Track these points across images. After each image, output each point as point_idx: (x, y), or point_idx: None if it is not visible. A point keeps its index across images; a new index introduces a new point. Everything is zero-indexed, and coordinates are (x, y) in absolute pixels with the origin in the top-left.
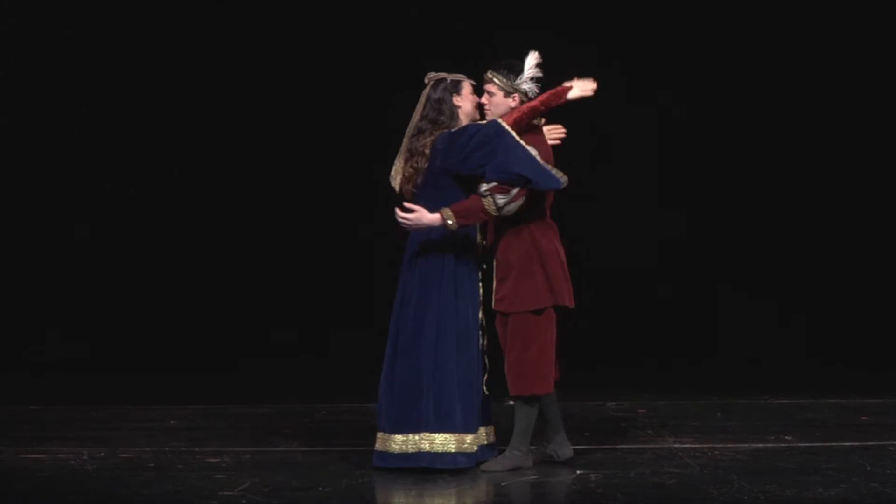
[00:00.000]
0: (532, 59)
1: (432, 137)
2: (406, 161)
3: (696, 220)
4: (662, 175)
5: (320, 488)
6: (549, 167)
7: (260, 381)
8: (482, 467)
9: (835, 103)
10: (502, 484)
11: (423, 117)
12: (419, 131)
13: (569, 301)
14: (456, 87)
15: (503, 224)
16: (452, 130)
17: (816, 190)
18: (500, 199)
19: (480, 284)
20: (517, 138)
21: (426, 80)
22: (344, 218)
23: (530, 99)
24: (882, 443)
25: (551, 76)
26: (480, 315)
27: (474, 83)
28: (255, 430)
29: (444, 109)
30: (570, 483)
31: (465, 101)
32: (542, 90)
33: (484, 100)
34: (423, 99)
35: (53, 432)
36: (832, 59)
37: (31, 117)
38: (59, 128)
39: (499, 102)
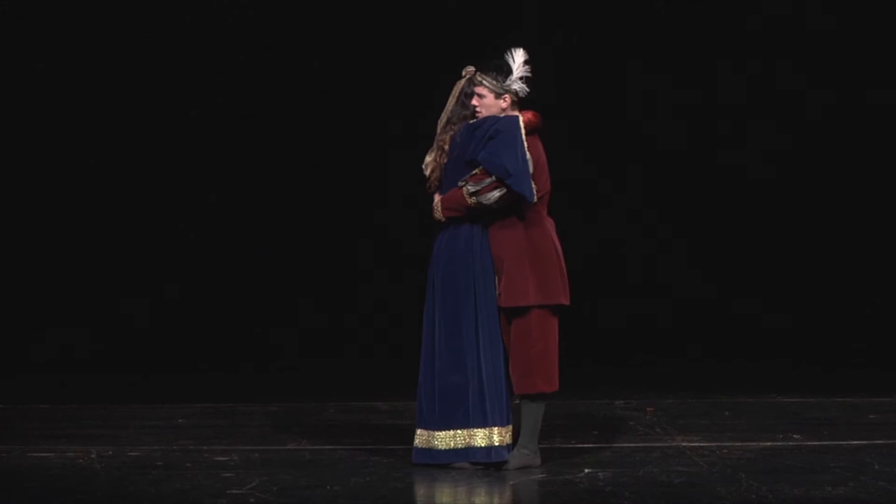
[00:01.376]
0: (519, 56)
1: (452, 132)
2: (438, 153)
3: (708, 221)
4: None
5: (329, 487)
6: (531, 181)
7: (268, 379)
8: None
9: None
10: (510, 482)
11: (452, 111)
12: (447, 124)
13: (563, 299)
14: None
15: (498, 219)
16: (471, 122)
17: (828, 190)
18: (471, 188)
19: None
20: (524, 138)
21: (463, 73)
22: (350, 217)
23: (521, 98)
24: (890, 441)
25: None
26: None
27: None
28: (263, 428)
29: (469, 105)
30: (578, 482)
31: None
32: (531, 87)
33: (475, 101)
34: (456, 91)
35: (62, 431)
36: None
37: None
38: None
39: (490, 104)
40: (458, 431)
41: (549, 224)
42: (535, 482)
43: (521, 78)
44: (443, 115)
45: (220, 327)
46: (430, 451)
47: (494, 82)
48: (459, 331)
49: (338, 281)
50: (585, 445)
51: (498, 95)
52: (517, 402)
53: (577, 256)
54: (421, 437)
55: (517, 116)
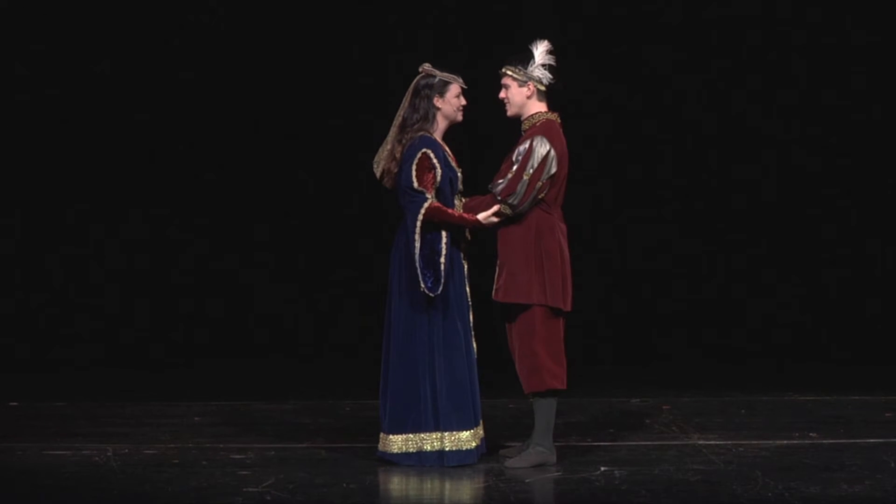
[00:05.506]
0: (542, 46)
1: (406, 142)
2: (388, 156)
3: (724, 215)
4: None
5: (344, 485)
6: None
7: (284, 377)
8: (507, 464)
9: None
10: (526, 480)
11: (406, 113)
12: (402, 125)
13: (563, 304)
14: (441, 89)
15: (511, 220)
16: (415, 144)
17: (844, 184)
18: (512, 199)
19: (467, 283)
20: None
21: (420, 70)
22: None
23: (545, 86)
24: None
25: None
26: (471, 316)
27: (464, 86)
28: (279, 426)
29: (419, 108)
30: (594, 479)
31: (446, 104)
32: (555, 76)
33: (502, 94)
34: (410, 90)
35: (78, 429)
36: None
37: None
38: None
39: (515, 93)
40: (410, 436)
41: (560, 230)
42: (550, 480)
43: (543, 65)
44: (398, 114)
45: (236, 325)
46: (386, 454)
47: (517, 71)
48: (412, 334)
49: (355, 278)
50: (601, 443)
51: (521, 84)
52: (531, 400)
53: (593, 255)
54: (381, 441)
55: (411, 178)
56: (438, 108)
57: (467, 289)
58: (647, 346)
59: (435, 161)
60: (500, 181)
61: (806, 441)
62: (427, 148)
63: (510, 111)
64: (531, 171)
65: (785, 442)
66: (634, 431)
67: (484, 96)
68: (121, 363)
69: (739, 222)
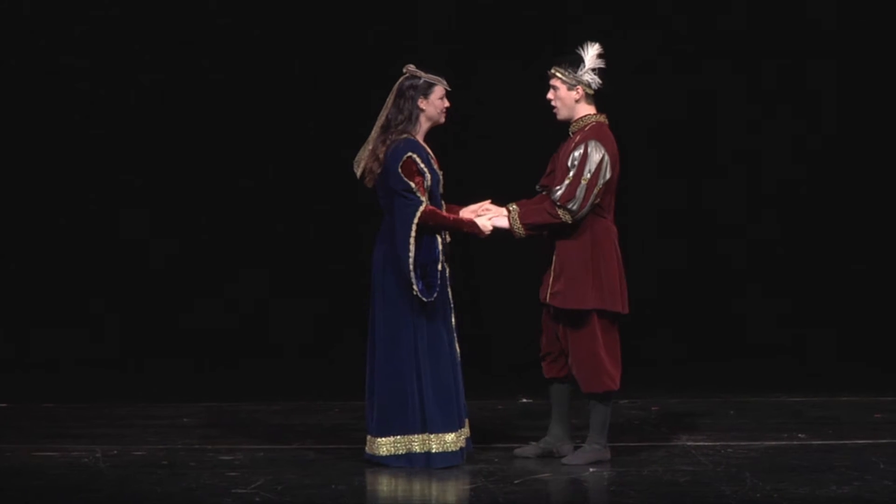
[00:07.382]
0: (592, 50)
1: (390, 144)
2: (369, 155)
3: (713, 216)
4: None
5: (333, 486)
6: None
7: (273, 378)
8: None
9: None
10: (515, 482)
11: (390, 112)
12: (386, 125)
13: (621, 307)
14: (426, 90)
15: (567, 224)
16: (400, 147)
17: (835, 185)
18: (572, 205)
19: (449, 285)
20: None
21: (404, 71)
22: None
23: (594, 90)
24: (895, 440)
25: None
26: (453, 318)
27: (448, 88)
28: (268, 427)
29: (404, 109)
30: (583, 480)
31: (430, 106)
32: (605, 80)
33: (550, 95)
34: (394, 91)
35: (67, 430)
36: None
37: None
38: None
39: (563, 96)
40: (398, 438)
41: (613, 233)
42: (539, 480)
43: (593, 69)
44: (381, 113)
45: (226, 326)
46: (374, 457)
47: (567, 73)
48: (398, 337)
49: (348, 279)
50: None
51: (570, 87)
52: (524, 400)
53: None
54: (368, 443)
55: (405, 185)
56: (422, 110)
57: (449, 291)
58: (636, 348)
59: (421, 165)
60: (558, 187)
61: (795, 442)
62: (412, 152)
63: (561, 114)
64: (588, 176)
65: (774, 443)
66: (623, 432)
67: (483, 97)
68: (109, 364)
69: (730, 224)
